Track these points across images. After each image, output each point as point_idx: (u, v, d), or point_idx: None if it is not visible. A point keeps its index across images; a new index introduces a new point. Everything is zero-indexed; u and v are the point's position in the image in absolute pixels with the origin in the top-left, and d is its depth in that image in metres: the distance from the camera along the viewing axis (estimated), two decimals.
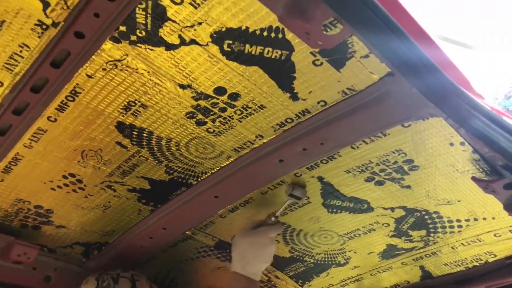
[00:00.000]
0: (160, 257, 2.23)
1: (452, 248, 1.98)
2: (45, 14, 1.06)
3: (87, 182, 1.70)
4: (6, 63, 1.19)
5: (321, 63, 1.18)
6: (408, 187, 1.68)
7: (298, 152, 1.50)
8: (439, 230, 1.89)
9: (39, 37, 1.12)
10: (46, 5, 1.05)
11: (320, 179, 1.70)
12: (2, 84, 1.26)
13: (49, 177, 1.65)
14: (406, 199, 1.75)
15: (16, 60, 1.19)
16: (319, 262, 2.23)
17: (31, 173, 1.61)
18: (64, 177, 1.66)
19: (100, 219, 1.92)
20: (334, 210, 1.87)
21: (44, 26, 1.10)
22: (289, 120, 1.41)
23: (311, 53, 1.15)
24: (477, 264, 2.03)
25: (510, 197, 1.49)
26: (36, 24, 1.09)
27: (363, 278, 2.31)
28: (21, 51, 1.16)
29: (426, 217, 1.83)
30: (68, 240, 2.03)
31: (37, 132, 1.44)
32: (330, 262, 2.23)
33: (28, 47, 1.15)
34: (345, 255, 2.16)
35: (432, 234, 1.93)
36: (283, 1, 0.93)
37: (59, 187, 1.70)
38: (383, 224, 1.92)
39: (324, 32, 1.00)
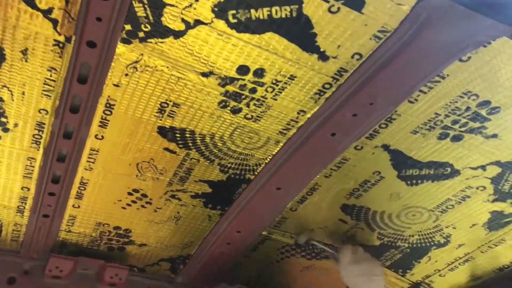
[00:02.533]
0: (245, 263, 2.19)
1: None
2: (57, 31, 1.11)
3: (152, 195, 1.73)
4: (43, 90, 1.27)
5: (338, 9, 1.05)
6: (495, 136, 1.41)
7: (348, 120, 1.35)
8: None
9: (60, 56, 1.17)
10: (54, 22, 1.09)
11: (386, 147, 1.51)
12: (47, 112, 1.34)
13: (116, 196, 1.71)
14: (497, 151, 1.47)
15: (50, 85, 1.25)
16: (415, 245, 1.98)
17: (100, 195, 1.70)
18: (129, 193, 1.71)
19: (175, 232, 1.95)
20: (414, 181, 1.64)
21: (61, 45, 1.14)
22: (327, 86, 1.28)
23: None
24: None
25: None
26: (54, 45, 1.14)
27: (473, 258, 1.99)
28: (51, 75, 1.22)
29: None
30: (153, 258, 2.09)
31: (91, 154, 1.51)
32: (428, 244, 1.97)
33: (56, 69, 1.21)
34: (444, 233, 1.89)
35: None
36: None
37: (128, 205, 1.76)
38: (477, 188, 1.64)
39: None
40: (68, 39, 1.13)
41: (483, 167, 1.54)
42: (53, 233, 1.82)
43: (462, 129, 1.40)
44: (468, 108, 1.31)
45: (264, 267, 2.21)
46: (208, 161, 1.58)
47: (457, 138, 1.43)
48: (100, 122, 1.39)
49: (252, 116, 1.39)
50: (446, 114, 1.35)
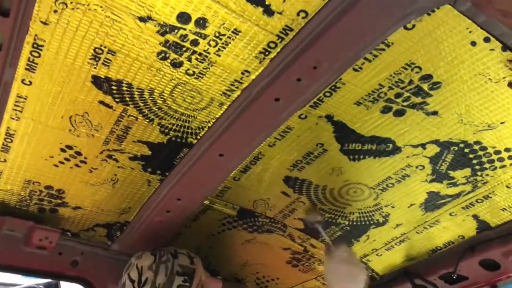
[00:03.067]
0: (186, 234, 2.13)
1: (507, 187, 1.67)
2: None
3: (86, 154, 1.63)
4: None
5: None
6: (435, 113, 1.42)
7: (292, 84, 1.31)
8: (486, 165, 1.60)
9: None
10: None
11: (330, 118, 1.50)
12: None
13: (47, 152, 1.60)
14: (437, 130, 1.49)
15: None
16: (355, 223, 2.00)
17: (29, 149, 1.58)
18: (62, 150, 1.60)
19: (112, 196, 1.86)
20: (356, 156, 1.64)
21: None
22: (272, 45, 1.23)
23: None
24: None
25: None
26: None
27: (409, 238, 2.04)
28: None
29: (466, 150, 1.55)
30: (88, 222, 2.00)
31: (18, 101, 1.39)
32: (367, 223, 1.99)
33: None
34: (383, 212, 1.91)
35: (479, 173, 1.63)
36: None
37: (61, 162, 1.66)
38: (417, 167, 1.66)
39: None
40: None
41: (423, 146, 1.55)
42: None
43: (405, 103, 1.40)
44: (411, 81, 1.31)
45: (205, 238, 2.17)
46: (147, 120, 1.51)
47: (399, 113, 1.43)
48: (28, 65, 1.28)
49: (194, 72, 1.32)
50: (389, 86, 1.34)
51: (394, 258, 2.16)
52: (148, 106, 1.45)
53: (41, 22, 1.16)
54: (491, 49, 1.16)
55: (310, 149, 1.64)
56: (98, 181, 1.77)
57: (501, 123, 1.41)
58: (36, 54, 1.25)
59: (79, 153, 1.63)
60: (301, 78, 1.29)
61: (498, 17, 0.97)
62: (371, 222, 1.98)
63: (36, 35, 1.19)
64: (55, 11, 1.13)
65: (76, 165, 1.68)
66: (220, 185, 1.82)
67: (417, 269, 2.16)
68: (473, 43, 1.16)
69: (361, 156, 1.64)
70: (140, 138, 1.58)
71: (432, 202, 1.81)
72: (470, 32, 1.13)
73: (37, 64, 1.28)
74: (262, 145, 1.61)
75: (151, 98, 1.42)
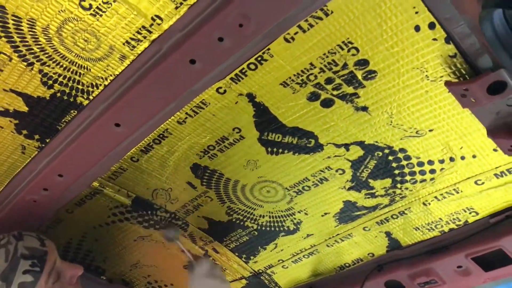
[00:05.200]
0: (67, 221, 1.78)
1: (423, 204, 1.59)
2: None
3: None
4: None
5: None
6: (365, 109, 1.29)
7: (213, 44, 1.09)
8: (407, 177, 1.50)
9: None
10: None
11: (251, 98, 1.30)
12: None
13: None
14: (364, 129, 1.35)
15: None
16: (263, 228, 1.81)
17: None
18: None
19: None
20: (275, 149, 1.46)
21: None
22: None
23: None
24: (455, 226, 1.64)
25: (496, 110, 1.11)
26: None
27: (318, 251, 1.89)
28: None
29: (390, 157, 1.44)
30: None
31: None
32: (277, 229, 1.81)
33: None
34: (295, 218, 1.75)
35: (398, 185, 1.53)
36: None
37: None
38: (337, 171, 1.52)
39: None
40: None
41: (346, 146, 1.42)
42: None
43: (335, 92, 1.24)
44: (345, 65, 1.16)
45: (90, 228, 1.83)
46: (24, 62, 1.18)
47: (327, 103, 1.28)
48: None
49: (91, 5, 1.05)
50: (321, 68, 1.18)
51: (300, 272, 2.00)
52: (25, 42, 1.13)
53: None
54: (434, 39, 1.05)
55: (225, 134, 1.42)
56: None
57: (430, 130, 1.31)
58: None
59: None
60: (223, 37, 1.08)
61: None
62: (281, 229, 1.80)
63: None
64: None
65: None
66: (114, 164, 1.52)
67: (322, 286, 2.02)
68: (417, 28, 1.04)
69: (280, 150, 1.46)
70: (13, 87, 1.25)
71: (347, 213, 1.68)
72: (416, 13, 1.00)
73: None
74: (170, 120, 1.37)
75: (31, 33, 1.11)
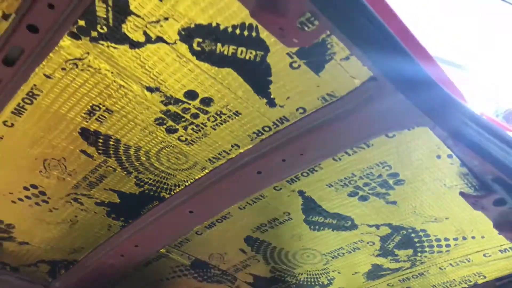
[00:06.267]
0: (133, 277, 2.09)
1: (440, 268, 1.88)
2: None
3: (51, 195, 1.57)
4: None
5: (299, 66, 1.10)
6: (394, 203, 1.59)
7: (277, 163, 1.40)
8: (426, 249, 1.80)
9: None
10: None
11: (301, 193, 1.60)
12: None
13: (8, 188, 1.52)
14: (392, 215, 1.66)
15: None
16: (301, 282, 2.11)
17: None
18: (25, 188, 1.53)
19: (66, 235, 1.79)
20: (317, 227, 1.76)
21: None
22: (266, 129, 1.32)
23: (288, 54, 1.07)
24: (466, 286, 1.93)
25: (500, 214, 1.41)
26: None
27: None
28: None
29: (412, 235, 1.74)
30: (32, 258, 1.89)
31: None
32: (313, 283, 2.11)
33: None
34: (329, 276, 2.05)
35: (419, 254, 1.83)
36: None
37: (20, 199, 1.58)
38: (368, 243, 1.82)
39: (300, 29, 0.92)
40: (5, 16, 0.99)
41: (377, 226, 1.72)
42: None
43: (370, 191, 1.55)
44: (380, 175, 1.47)
45: (152, 282, 2.14)
46: (125, 172, 1.50)
47: (363, 198, 1.58)
48: (15, 109, 1.23)
49: (186, 139, 1.36)
50: (360, 176, 1.48)
51: None
52: (130, 161, 1.45)
53: (45, 75, 1.14)
54: (451, 163, 1.35)
55: (277, 216, 1.73)
56: (55, 220, 1.70)
57: (446, 218, 1.61)
58: (28, 101, 1.21)
59: (43, 193, 1.56)
60: (286, 159, 1.39)
61: None
62: (317, 283, 2.10)
63: (34, 85, 1.17)
64: (63, 69, 1.13)
65: (37, 203, 1.60)
66: (182, 237, 1.83)
67: None
68: (439, 156, 1.34)
69: (321, 228, 1.76)
70: (113, 187, 1.56)
71: (375, 273, 1.98)
72: (438, 148, 1.31)
73: (26, 110, 1.24)
74: (233, 206, 1.68)
75: (135, 155, 1.43)
